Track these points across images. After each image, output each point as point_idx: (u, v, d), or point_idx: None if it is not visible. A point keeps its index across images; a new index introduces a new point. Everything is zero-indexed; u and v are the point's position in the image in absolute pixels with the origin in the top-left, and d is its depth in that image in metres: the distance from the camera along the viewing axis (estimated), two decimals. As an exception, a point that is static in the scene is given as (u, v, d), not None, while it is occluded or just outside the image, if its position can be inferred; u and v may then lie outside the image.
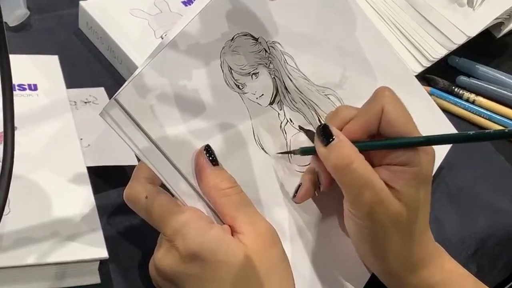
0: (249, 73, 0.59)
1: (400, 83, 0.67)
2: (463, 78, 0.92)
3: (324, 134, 0.57)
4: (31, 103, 0.66)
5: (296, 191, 0.60)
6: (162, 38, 0.80)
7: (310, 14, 0.65)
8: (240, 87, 0.59)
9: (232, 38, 0.58)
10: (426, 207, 0.59)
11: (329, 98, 0.65)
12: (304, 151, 0.60)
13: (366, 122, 0.58)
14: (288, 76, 0.62)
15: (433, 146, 0.59)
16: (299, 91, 0.63)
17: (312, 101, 0.64)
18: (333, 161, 0.56)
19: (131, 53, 0.77)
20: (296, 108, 0.63)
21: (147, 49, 0.76)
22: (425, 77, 0.91)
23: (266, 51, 0.61)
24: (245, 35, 0.59)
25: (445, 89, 0.90)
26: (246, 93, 0.59)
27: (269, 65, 0.61)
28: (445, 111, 0.85)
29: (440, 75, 0.92)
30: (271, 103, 0.61)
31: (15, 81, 0.67)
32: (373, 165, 0.58)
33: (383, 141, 0.58)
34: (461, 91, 0.90)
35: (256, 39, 0.60)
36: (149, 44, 0.78)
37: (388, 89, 0.59)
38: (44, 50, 0.76)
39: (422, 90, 0.75)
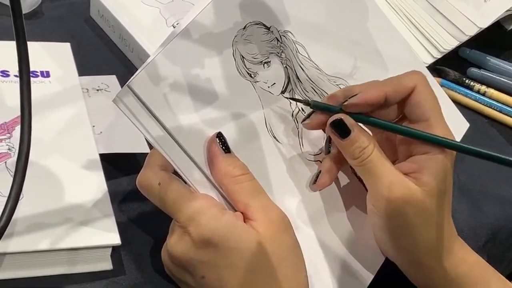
0: (261, 62, 0.60)
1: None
2: (474, 70, 0.92)
3: (340, 127, 0.57)
4: (44, 89, 0.66)
5: (316, 179, 0.60)
6: (174, 27, 0.80)
7: (322, 4, 0.65)
8: (252, 75, 0.59)
9: (244, 27, 0.58)
10: (449, 196, 0.59)
11: (340, 88, 0.65)
12: (316, 105, 0.60)
13: (392, 90, 0.58)
14: (300, 66, 0.63)
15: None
16: (311, 80, 0.63)
17: (324, 91, 0.64)
18: (352, 154, 0.57)
19: (142, 42, 0.77)
20: (308, 97, 0.63)
21: (158, 38, 0.76)
22: (436, 69, 0.91)
23: (278, 40, 0.61)
24: (257, 24, 0.59)
25: (456, 81, 0.90)
26: (258, 81, 0.59)
27: (281, 54, 0.61)
28: (456, 102, 0.85)
29: (451, 67, 0.92)
30: (282, 92, 0.61)
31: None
32: (398, 157, 0.58)
33: (425, 133, 0.58)
34: (472, 83, 0.90)
35: (268, 28, 0.60)
36: (160, 32, 0.79)
37: (422, 74, 0.60)
38: (56, 38, 0.76)
39: (433, 82, 0.75)
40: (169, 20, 0.81)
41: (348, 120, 0.57)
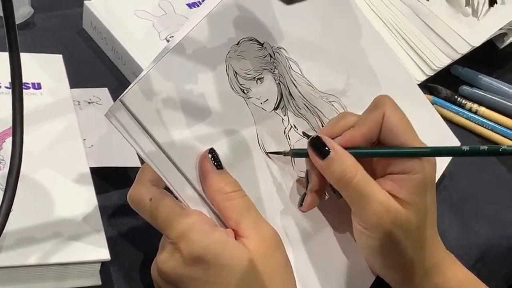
0: (254, 77, 0.59)
1: (403, 93, 0.68)
2: (466, 88, 0.92)
3: (319, 146, 0.57)
4: (35, 101, 0.66)
5: (302, 200, 0.60)
6: (167, 40, 0.80)
7: (315, 21, 0.65)
8: (245, 91, 0.58)
9: (238, 42, 0.58)
10: (432, 212, 0.59)
11: (333, 105, 0.65)
12: (296, 154, 0.60)
13: (367, 129, 0.59)
14: (293, 82, 0.62)
15: None
16: (304, 97, 0.63)
17: (316, 108, 0.64)
18: (334, 175, 0.56)
19: (135, 54, 0.77)
20: (300, 114, 0.62)
21: (151, 51, 0.76)
22: (428, 86, 0.91)
23: (271, 56, 0.61)
24: (251, 40, 0.59)
25: (447, 99, 0.90)
26: (251, 97, 0.59)
27: (274, 70, 0.61)
28: (448, 120, 0.85)
29: (443, 84, 0.92)
30: (275, 108, 0.61)
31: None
32: (375, 175, 0.58)
33: (388, 149, 0.58)
34: (463, 101, 0.90)
35: (262, 44, 0.60)
36: (153, 45, 0.78)
37: (388, 97, 0.59)
38: (48, 49, 0.76)
39: (425, 100, 0.75)
40: (162, 34, 0.81)
41: (327, 140, 0.57)
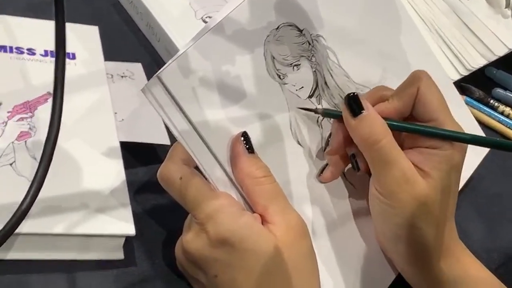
0: (291, 64, 0.59)
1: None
2: (499, 91, 0.91)
3: (354, 104, 0.56)
4: (69, 71, 0.64)
5: (322, 170, 0.59)
6: (203, 20, 0.80)
7: (356, 12, 0.65)
8: (281, 77, 0.58)
9: (278, 27, 0.58)
10: (454, 195, 0.58)
11: None
12: (327, 113, 0.59)
13: (400, 103, 0.58)
14: (329, 71, 0.62)
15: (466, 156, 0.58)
16: (339, 87, 0.62)
17: None
18: (361, 134, 0.55)
19: (170, 32, 0.77)
20: (334, 104, 0.62)
21: (186, 29, 0.77)
22: (461, 86, 0.90)
23: (309, 43, 0.60)
24: (290, 25, 0.59)
25: (480, 100, 0.89)
26: (286, 84, 0.58)
27: (311, 58, 0.60)
28: (479, 122, 0.84)
29: (476, 85, 0.91)
30: (310, 97, 0.60)
31: (54, 47, 0.67)
32: (402, 146, 0.57)
33: (424, 127, 0.57)
34: (496, 103, 0.89)
35: (301, 31, 0.60)
36: (189, 24, 0.78)
37: (424, 72, 0.59)
38: (82, 20, 0.75)
39: (460, 100, 0.74)
40: (198, 13, 0.80)
41: (363, 99, 0.56)
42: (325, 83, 0.61)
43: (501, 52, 0.89)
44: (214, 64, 0.53)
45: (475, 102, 0.89)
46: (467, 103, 0.87)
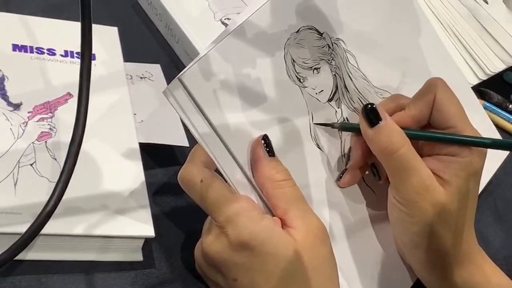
0: (311, 67, 0.59)
1: (457, 96, 0.67)
2: (518, 96, 0.91)
3: (372, 115, 0.56)
4: None
5: (341, 176, 0.59)
6: (222, 22, 0.80)
7: (376, 16, 0.65)
8: (301, 80, 0.58)
9: (298, 30, 0.58)
10: (473, 202, 0.58)
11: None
12: (343, 127, 0.60)
13: (417, 111, 0.58)
14: (349, 75, 0.62)
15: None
16: (358, 91, 0.62)
17: None
18: (380, 144, 0.55)
19: (189, 33, 0.77)
20: (354, 108, 0.62)
21: (205, 31, 0.77)
22: (479, 90, 0.90)
23: (329, 47, 0.60)
24: (311, 28, 0.59)
25: (498, 104, 0.89)
26: (306, 87, 0.58)
27: (331, 62, 0.60)
28: (497, 126, 0.83)
29: (494, 90, 0.90)
30: (329, 100, 0.60)
31: (74, 48, 0.68)
32: (421, 154, 0.57)
33: (442, 134, 0.57)
34: (514, 108, 0.89)
35: (321, 34, 0.60)
36: (207, 26, 0.78)
37: (440, 79, 0.59)
38: (101, 21, 0.75)
39: (478, 105, 0.74)
40: (217, 15, 0.81)
41: (380, 109, 0.56)
42: (345, 86, 0.61)
43: (521, 56, 0.88)
44: (234, 67, 0.53)
45: (493, 107, 0.88)
46: (485, 107, 0.87)
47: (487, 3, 0.89)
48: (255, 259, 0.51)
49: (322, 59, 0.60)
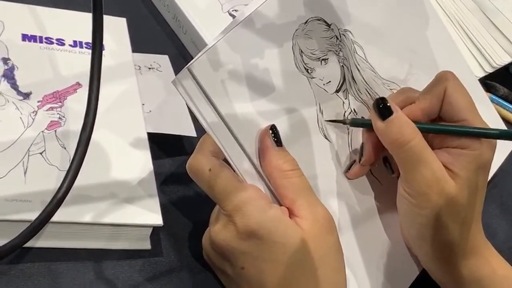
0: (319, 58, 0.59)
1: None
2: (524, 89, 0.91)
3: (383, 108, 0.56)
4: None
5: (350, 167, 0.60)
6: (229, 13, 0.80)
7: (384, 7, 0.65)
8: (309, 71, 0.58)
9: (306, 21, 0.58)
10: (481, 194, 0.58)
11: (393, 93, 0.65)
12: (354, 123, 0.60)
13: (427, 104, 0.58)
14: (356, 66, 0.62)
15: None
16: (366, 82, 0.63)
17: (377, 94, 0.63)
18: (391, 137, 0.56)
19: (197, 24, 0.77)
20: (361, 99, 0.62)
21: (213, 22, 0.77)
22: (486, 83, 0.90)
23: (337, 38, 0.61)
24: (319, 20, 0.59)
25: (504, 97, 0.89)
26: (314, 78, 0.59)
27: (339, 53, 0.61)
28: (503, 119, 0.83)
29: (500, 82, 0.91)
30: (337, 91, 0.61)
31: (83, 38, 0.68)
32: (432, 147, 0.57)
33: (452, 126, 0.58)
34: (521, 101, 0.89)
35: (329, 25, 0.60)
36: (215, 17, 0.79)
37: (450, 73, 0.59)
38: (109, 12, 0.75)
39: (485, 98, 0.75)
40: (225, 6, 0.81)
41: (391, 102, 0.56)
42: (352, 77, 0.62)
43: (527, 50, 0.88)
44: (243, 57, 0.54)
45: (499, 100, 0.89)
46: (491, 100, 0.87)
47: (493, -4, 0.89)
48: (262, 247, 0.51)
49: (330, 50, 0.60)
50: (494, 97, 0.89)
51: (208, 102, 0.51)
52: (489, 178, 0.70)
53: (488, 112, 0.74)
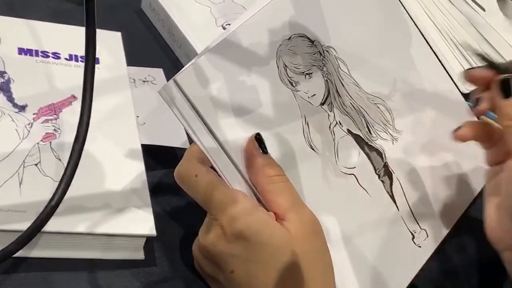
0: (303, 72, 0.60)
1: (447, 103, 0.70)
2: (515, 102, 0.92)
3: (504, 87, 0.58)
4: None
5: (459, 128, 0.62)
6: (223, 27, 0.81)
7: (367, 25, 0.66)
8: (294, 84, 0.59)
9: (289, 37, 0.59)
10: None
11: (378, 107, 0.66)
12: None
13: None
14: (340, 81, 0.63)
15: None
16: (350, 96, 0.64)
17: (362, 108, 0.64)
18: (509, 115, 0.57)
19: (191, 38, 0.78)
20: (346, 112, 0.63)
21: (207, 36, 0.78)
22: (477, 98, 0.90)
23: (321, 54, 0.62)
24: (302, 36, 0.60)
25: (494, 110, 0.90)
26: (298, 91, 0.60)
27: (322, 68, 0.62)
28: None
29: (492, 96, 0.91)
30: (322, 104, 0.62)
31: (78, 52, 0.69)
32: None
33: None
34: None
35: (312, 42, 0.61)
36: (209, 31, 0.80)
37: None
38: (105, 26, 0.77)
39: (468, 111, 0.75)
40: (219, 20, 0.82)
41: None
42: (337, 91, 0.63)
43: (518, 63, 0.89)
44: (228, 69, 0.55)
45: (491, 113, 0.89)
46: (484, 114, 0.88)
47: (484, 10, 0.90)
48: (249, 249, 0.52)
49: (314, 65, 0.61)
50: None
51: (193, 111, 0.52)
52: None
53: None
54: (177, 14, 0.81)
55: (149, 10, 0.85)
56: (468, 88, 0.89)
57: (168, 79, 0.74)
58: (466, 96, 0.88)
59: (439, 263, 0.70)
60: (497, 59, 0.62)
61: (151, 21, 0.85)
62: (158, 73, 0.74)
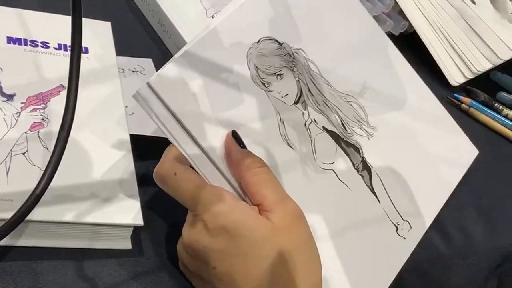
0: (274, 73, 0.61)
1: (419, 99, 0.71)
2: (504, 94, 0.92)
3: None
4: (82, 65, 0.66)
5: None
6: (213, 18, 0.81)
7: (335, 26, 0.67)
8: (266, 85, 0.60)
9: (258, 40, 0.60)
10: None
11: (351, 105, 0.66)
12: None
13: None
14: (312, 81, 0.64)
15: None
16: (323, 95, 0.64)
17: (335, 105, 0.65)
18: None
19: (181, 29, 0.78)
20: (320, 110, 0.63)
21: (197, 27, 0.78)
22: (466, 89, 0.91)
23: (290, 55, 0.62)
24: (270, 39, 0.61)
25: (485, 103, 0.91)
26: (271, 91, 0.60)
27: (293, 68, 0.62)
28: (483, 124, 0.85)
29: (480, 88, 0.92)
30: (295, 103, 0.62)
31: (67, 41, 0.68)
32: None
33: None
34: (500, 107, 0.90)
35: (281, 44, 0.62)
36: (199, 22, 0.80)
37: None
38: (95, 16, 0.76)
39: (444, 113, 0.75)
40: (209, 11, 0.82)
41: None
42: (309, 90, 0.63)
43: (506, 56, 0.90)
44: (202, 70, 0.56)
45: (479, 105, 0.90)
46: (471, 106, 0.89)
47: (474, 3, 0.90)
48: (232, 242, 0.52)
49: (285, 66, 0.62)
50: (474, 102, 0.90)
51: (168, 112, 0.53)
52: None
53: (445, 123, 0.74)
54: (167, 4, 0.81)
55: (139, 0, 0.84)
56: (456, 81, 0.89)
57: (157, 69, 0.74)
58: (462, 86, 0.89)
59: (425, 253, 0.70)
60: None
61: (141, 11, 0.85)
62: (147, 63, 0.74)
